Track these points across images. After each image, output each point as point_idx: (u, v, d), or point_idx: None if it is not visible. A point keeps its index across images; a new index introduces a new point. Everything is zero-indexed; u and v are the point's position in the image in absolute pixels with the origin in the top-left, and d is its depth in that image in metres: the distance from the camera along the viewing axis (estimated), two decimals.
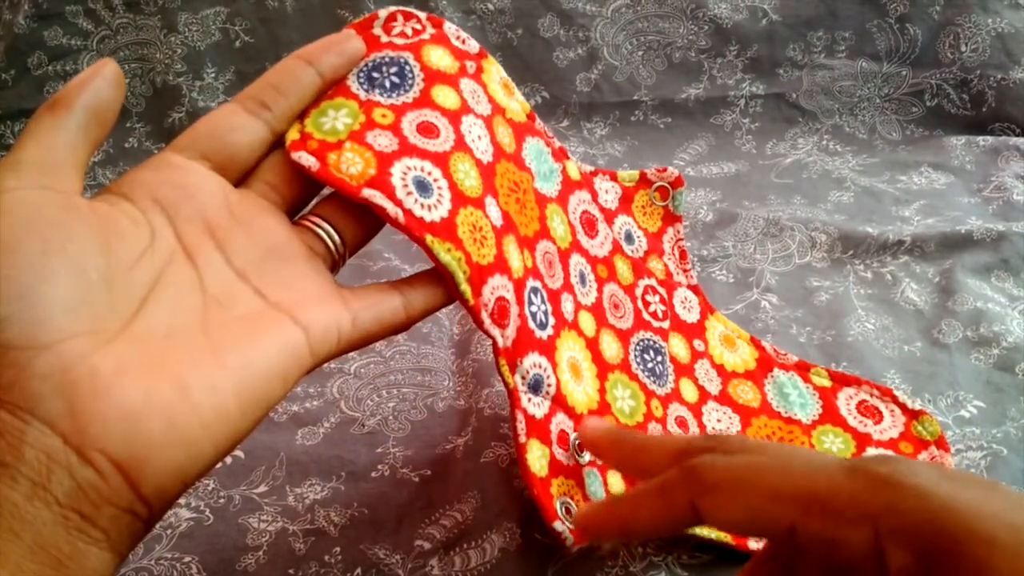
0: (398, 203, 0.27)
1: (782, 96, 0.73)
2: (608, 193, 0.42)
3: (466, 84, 0.33)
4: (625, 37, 0.73)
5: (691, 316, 0.43)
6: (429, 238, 0.28)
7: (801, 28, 0.73)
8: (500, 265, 0.31)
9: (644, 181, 0.43)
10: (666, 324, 0.42)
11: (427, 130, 0.30)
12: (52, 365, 0.20)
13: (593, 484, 0.33)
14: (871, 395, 0.42)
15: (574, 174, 0.40)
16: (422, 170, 0.29)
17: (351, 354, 0.50)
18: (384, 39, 0.32)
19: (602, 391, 0.36)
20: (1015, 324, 0.49)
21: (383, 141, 0.29)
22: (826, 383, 0.43)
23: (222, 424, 0.22)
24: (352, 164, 0.28)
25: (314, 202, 0.30)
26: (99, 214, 0.24)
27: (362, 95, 0.30)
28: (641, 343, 0.39)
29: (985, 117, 0.71)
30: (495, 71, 0.36)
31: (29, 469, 0.19)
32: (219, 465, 0.43)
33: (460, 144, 0.31)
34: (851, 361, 0.48)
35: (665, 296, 0.42)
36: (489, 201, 0.31)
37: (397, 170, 0.28)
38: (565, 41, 0.73)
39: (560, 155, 0.39)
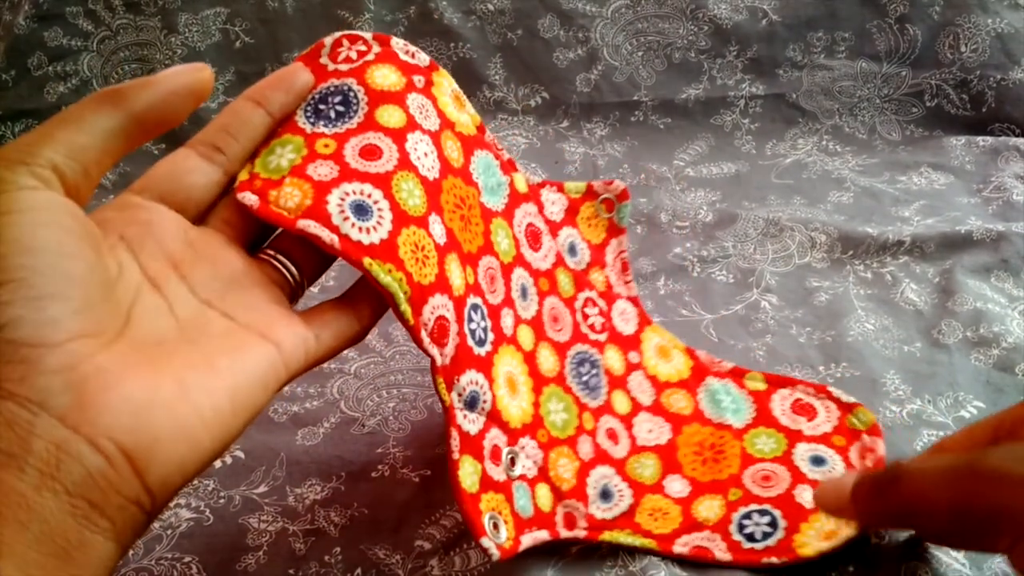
0: (334, 229, 0.28)
1: (782, 96, 0.73)
2: (555, 204, 0.42)
3: (413, 99, 0.33)
4: (625, 37, 0.73)
5: (628, 328, 0.44)
6: (367, 261, 0.29)
7: (801, 28, 0.73)
8: (441, 284, 0.31)
9: (590, 193, 0.43)
10: (603, 337, 0.42)
11: (370, 153, 0.31)
12: (61, 362, 0.21)
13: (522, 498, 0.34)
14: (806, 394, 0.43)
15: (521, 187, 0.40)
16: (361, 193, 0.30)
17: (351, 354, 0.50)
18: (331, 67, 0.33)
19: (536, 405, 0.36)
20: (1015, 324, 0.49)
21: (323, 171, 0.30)
22: (761, 386, 0.43)
23: (218, 423, 0.23)
24: (290, 198, 0.29)
25: (274, 235, 0.31)
26: (92, 229, 0.24)
27: (308, 129, 0.31)
28: (578, 356, 0.40)
29: (985, 117, 0.71)
30: (446, 84, 0.36)
31: (37, 459, 0.20)
32: (219, 465, 0.43)
33: (404, 163, 0.31)
34: (851, 361, 0.48)
35: (604, 308, 0.43)
36: (433, 219, 0.32)
37: (334, 197, 0.29)
38: (565, 41, 0.73)
39: (509, 167, 0.39)
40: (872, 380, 0.46)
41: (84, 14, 0.73)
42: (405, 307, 0.30)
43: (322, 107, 0.31)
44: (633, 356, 0.43)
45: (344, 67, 0.33)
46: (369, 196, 0.30)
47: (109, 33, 0.74)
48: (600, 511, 0.37)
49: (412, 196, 0.31)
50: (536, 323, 0.38)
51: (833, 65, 0.73)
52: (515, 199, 0.39)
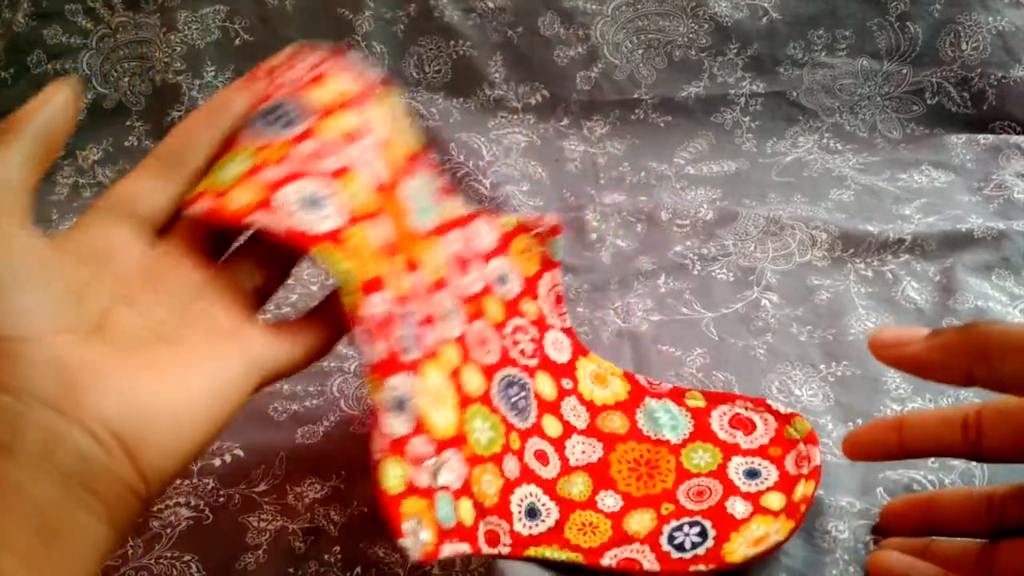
0: (283, 218, 0.29)
1: (782, 94, 0.73)
2: (487, 236, 0.43)
3: (360, 110, 0.34)
4: (625, 35, 0.73)
5: (562, 356, 0.44)
6: (317, 248, 0.29)
7: (801, 26, 0.73)
8: (385, 282, 0.32)
9: (522, 227, 0.44)
10: (533, 362, 0.43)
11: (318, 155, 0.32)
12: (44, 354, 0.21)
13: (444, 508, 0.34)
14: (745, 408, 0.43)
15: (453, 213, 0.41)
16: (313, 190, 0.30)
17: (351, 353, 0.50)
18: (283, 79, 0.34)
19: (461, 422, 0.36)
20: None
21: (272, 174, 0.30)
22: (700, 404, 0.43)
23: (197, 417, 0.24)
24: (239, 200, 0.29)
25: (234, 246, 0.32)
26: (47, 244, 0.25)
27: (258, 140, 0.31)
28: (505, 379, 0.41)
29: (986, 115, 0.71)
30: (389, 104, 0.37)
31: (30, 444, 0.20)
32: (218, 463, 0.43)
33: (353, 164, 0.32)
34: (852, 360, 0.47)
35: (536, 336, 0.44)
36: (383, 219, 0.33)
37: (284, 192, 0.30)
38: (565, 39, 0.73)
39: (444, 193, 0.40)
40: (873, 379, 0.46)
41: (83, 12, 0.73)
42: (351, 296, 0.30)
43: (270, 116, 0.32)
44: (566, 383, 0.44)
45: (297, 80, 0.34)
46: (320, 192, 0.31)
47: (108, 31, 0.73)
48: (525, 528, 0.37)
49: (361, 194, 0.32)
50: (461, 343, 0.38)
51: (834, 63, 0.73)
52: (445, 225, 0.40)
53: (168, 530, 0.40)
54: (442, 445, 0.34)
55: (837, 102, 0.73)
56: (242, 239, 0.33)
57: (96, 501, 0.21)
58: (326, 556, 0.38)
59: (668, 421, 0.42)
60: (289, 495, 0.41)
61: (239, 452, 0.44)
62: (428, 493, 0.33)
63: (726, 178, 0.67)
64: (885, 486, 0.40)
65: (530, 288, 0.44)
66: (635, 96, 0.73)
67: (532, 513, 0.38)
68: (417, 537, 0.31)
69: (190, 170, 0.29)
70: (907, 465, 0.41)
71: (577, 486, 0.40)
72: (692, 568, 0.35)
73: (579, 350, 0.45)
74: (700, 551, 0.36)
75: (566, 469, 0.40)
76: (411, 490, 0.32)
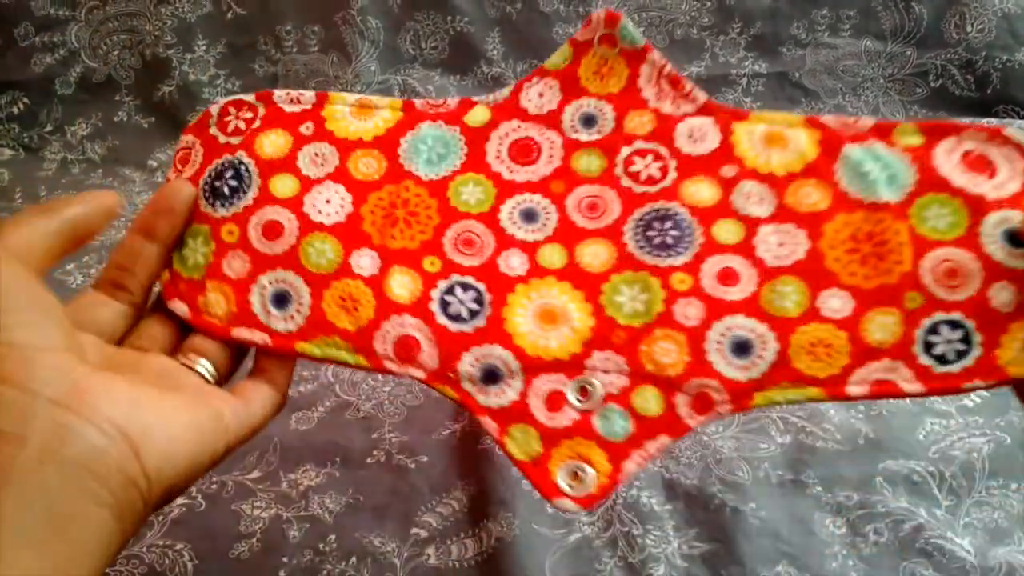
0: (263, 328, 0.30)
1: (785, 75, 0.72)
2: (543, 96, 0.36)
3: (304, 155, 0.33)
4: (627, 13, 0.71)
5: (708, 144, 0.35)
6: (299, 346, 0.30)
7: (805, 6, 0.71)
8: (382, 312, 0.31)
9: (581, 47, 0.36)
10: (670, 180, 0.34)
11: (271, 230, 0.32)
12: (56, 363, 0.23)
13: (609, 424, 0.30)
14: (977, 141, 0.32)
15: (480, 119, 0.36)
16: (276, 282, 0.31)
17: None
18: (221, 139, 0.33)
19: (598, 311, 0.32)
20: None
21: (237, 265, 0.31)
22: (917, 140, 0.32)
23: (186, 447, 0.25)
24: (216, 306, 0.31)
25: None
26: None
27: (211, 212, 0.32)
28: (641, 223, 0.34)
29: (990, 99, 0.70)
30: (340, 107, 0.35)
31: (40, 435, 0.21)
32: None
33: (306, 227, 0.32)
34: None
35: (660, 150, 0.35)
36: (356, 256, 0.32)
37: (255, 295, 0.31)
38: (565, 16, 0.71)
39: (457, 115, 0.36)
40: None
41: None
42: (356, 359, 0.31)
43: (217, 184, 0.32)
44: (727, 170, 0.34)
45: (235, 139, 0.33)
46: (283, 282, 0.31)
47: (98, 3, 0.72)
48: (741, 371, 0.30)
49: (322, 255, 0.32)
50: (563, 232, 0.34)
51: (837, 43, 0.72)
52: (477, 140, 0.36)
53: (160, 518, 0.39)
54: (577, 360, 0.31)
55: (840, 83, 0.72)
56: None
57: (103, 491, 0.22)
58: (321, 545, 0.38)
59: (881, 172, 0.32)
60: (283, 482, 0.41)
61: None
62: (581, 425, 0.30)
63: None
64: (884, 476, 0.40)
65: (627, 101, 0.36)
66: None
67: (741, 348, 0.31)
68: (580, 484, 0.30)
69: (136, 285, 0.30)
70: (906, 456, 0.40)
71: (789, 296, 0.31)
72: (967, 385, 0.29)
73: (730, 118, 0.35)
74: (968, 361, 0.29)
75: (765, 274, 0.32)
76: (553, 439, 0.30)
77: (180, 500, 0.40)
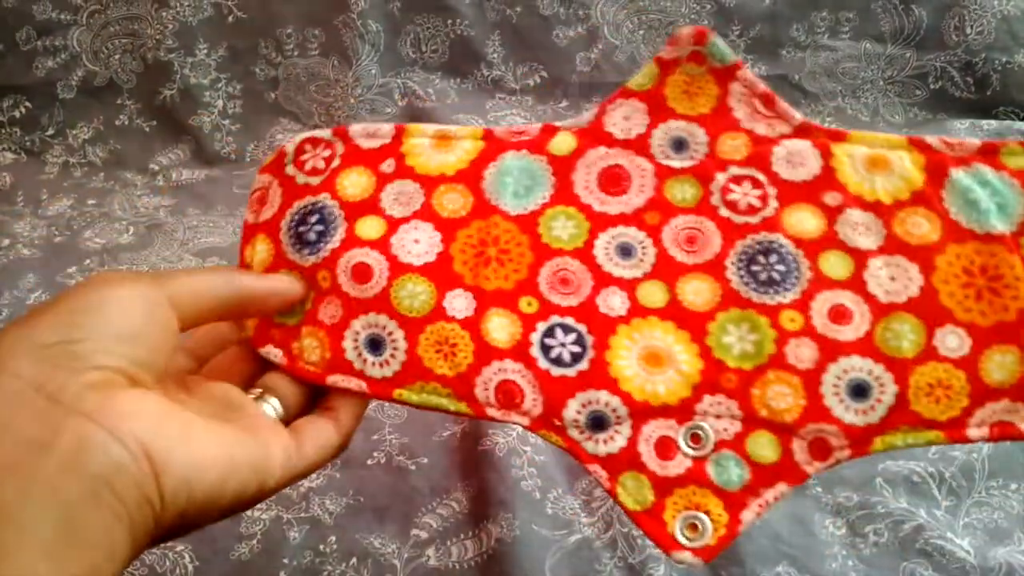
0: (358, 375, 0.30)
1: (785, 77, 0.72)
2: (629, 119, 0.35)
3: (387, 194, 0.32)
4: (626, 16, 0.72)
5: (808, 168, 0.33)
6: (396, 393, 0.30)
7: (805, 8, 0.72)
8: (482, 357, 0.30)
9: (666, 65, 0.34)
10: (771, 209, 0.32)
11: (362, 274, 0.31)
12: (96, 379, 0.23)
13: (724, 472, 0.29)
14: None
15: (566, 147, 0.35)
16: (370, 326, 0.30)
17: None
18: (300, 180, 0.32)
19: (705, 352, 0.31)
20: None
21: (331, 311, 0.30)
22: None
23: (210, 473, 0.24)
24: (311, 351, 0.30)
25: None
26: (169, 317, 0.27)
27: (299, 260, 0.31)
28: (744, 256, 0.32)
29: (989, 101, 0.70)
30: (419, 140, 0.34)
31: (65, 444, 0.21)
32: None
33: (396, 269, 0.31)
34: None
35: (757, 176, 0.33)
36: (451, 297, 0.31)
37: (349, 341, 0.30)
38: (565, 19, 0.71)
39: (539, 144, 0.35)
40: None
41: None
42: (458, 406, 0.30)
43: (302, 229, 0.31)
44: (832, 198, 0.32)
45: (314, 180, 0.32)
46: (376, 325, 0.30)
47: (99, 7, 0.72)
48: (858, 415, 0.29)
49: (415, 297, 0.31)
50: (661, 268, 0.32)
51: (837, 46, 0.72)
52: (564, 171, 0.34)
53: None
54: (687, 404, 0.30)
55: (839, 86, 0.72)
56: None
57: (118, 503, 0.22)
58: (321, 546, 0.38)
59: (991, 199, 0.31)
60: None
61: None
62: (694, 472, 0.29)
63: None
64: (884, 477, 0.40)
65: (719, 123, 0.34)
66: None
67: (859, 392, 0.29)
68: (698, 535, 0.28)
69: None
70: (906, 456, 0.40)
71: (904, 336, 0.30)
72: None
73: (828, 139, 0.33)
74: None
75: (878, 311, 0.30)
76: (666, 487, 0.29)
77: None
